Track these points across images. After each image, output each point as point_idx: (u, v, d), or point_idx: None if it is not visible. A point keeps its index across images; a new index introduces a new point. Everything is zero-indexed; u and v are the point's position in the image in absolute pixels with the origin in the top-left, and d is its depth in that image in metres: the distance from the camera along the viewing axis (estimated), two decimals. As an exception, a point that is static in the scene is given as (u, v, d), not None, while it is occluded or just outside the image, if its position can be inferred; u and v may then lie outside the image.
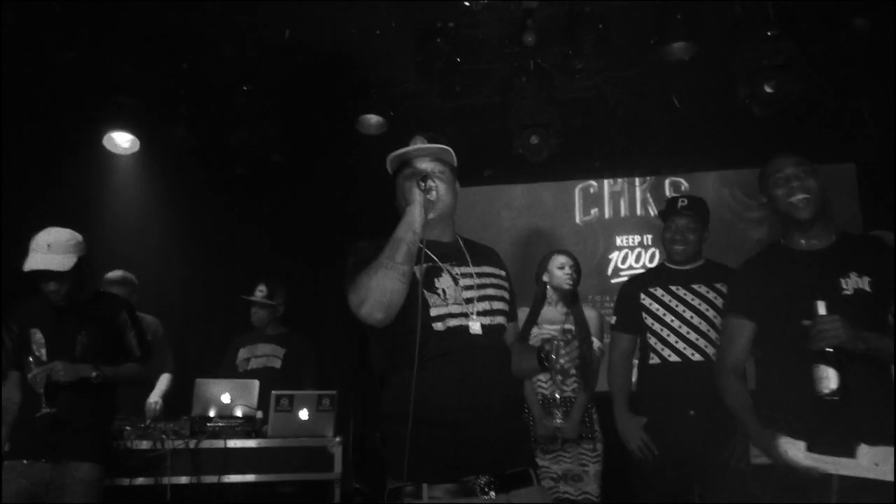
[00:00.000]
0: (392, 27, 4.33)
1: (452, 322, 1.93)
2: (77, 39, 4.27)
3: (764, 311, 2.37)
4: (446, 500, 1.82)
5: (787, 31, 4.13)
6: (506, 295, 2.10)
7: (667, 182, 5.74)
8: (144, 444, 3.40)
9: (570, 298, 3.72)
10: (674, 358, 3.10)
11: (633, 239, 5.68)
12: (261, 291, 4.44)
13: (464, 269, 2.03)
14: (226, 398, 3.75)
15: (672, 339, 3.12)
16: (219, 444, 3.45)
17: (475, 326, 1.95)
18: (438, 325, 1.92)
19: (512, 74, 4.74)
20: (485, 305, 2.00)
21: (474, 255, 2.10)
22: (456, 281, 1.99)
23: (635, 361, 3.35)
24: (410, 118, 4.96)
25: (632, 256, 5.66)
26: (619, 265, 5.66)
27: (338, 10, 4.12)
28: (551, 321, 3.65)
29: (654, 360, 3.17)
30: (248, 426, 3.59)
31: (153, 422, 3.53)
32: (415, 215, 1.93)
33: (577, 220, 5.84)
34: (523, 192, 5.98)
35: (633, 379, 3.38)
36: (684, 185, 5.69)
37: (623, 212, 5.78)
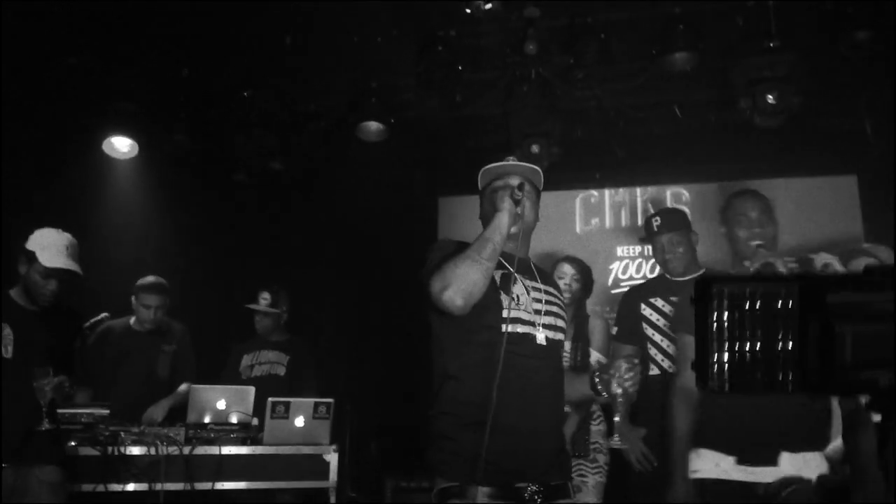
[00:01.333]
0: (393, 34, 4.33)
1: (521, 328, 2.02)
2: (77, 44, 4.27)
3: None
4: None
5: (788, 42, 4.13)
6: (565, 316, 2.21)
7: (668, 192, 5.72)
8: (138, 450, 3.35)
9: (574, 308, 3.68)
10: (674, 369, 3.07)
11: (634, 249, 5.64)
12: (265, 299, 4.38)
13: (534, 284, 2.15)
14: (221, 405, 3.70)
15: (672, 350, 3.09)
16: (213, 450, 3.41)
17: (540, 337, 2.05)
18: (507, 328, 1.98)
19: (513, 83, 4.73)
20: (550, 320, 2.10)
21: (542, 276, 2.22)
22: (528, 291, 2.09)
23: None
24: (411, 126, 4.96)
25: (632, 267, 5.62)
26: (620, 275, 5.62)
27: (339, 17, 4.12)
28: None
29: (654, 371, 3.14)
30: (244, 433, 3.55)
31: (147, 427, 3.49)
32: (503, 220, 2.04)
33: (578, 229, 5.82)
34: (524, 201, 5.93)
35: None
36: (685, 195, 5.67)
37: (624, 222, 5.76)
